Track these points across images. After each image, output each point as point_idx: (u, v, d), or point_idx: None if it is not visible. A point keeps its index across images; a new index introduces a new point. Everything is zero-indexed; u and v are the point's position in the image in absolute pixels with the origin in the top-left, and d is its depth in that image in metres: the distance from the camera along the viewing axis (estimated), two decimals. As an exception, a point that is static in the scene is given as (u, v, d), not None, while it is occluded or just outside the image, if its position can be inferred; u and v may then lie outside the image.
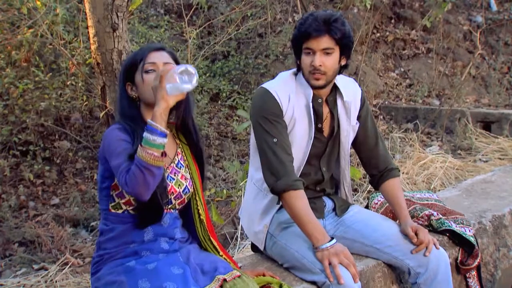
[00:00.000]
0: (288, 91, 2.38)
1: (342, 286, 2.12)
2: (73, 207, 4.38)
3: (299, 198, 2.27)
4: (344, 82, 2.50)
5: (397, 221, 2.60)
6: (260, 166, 2.41)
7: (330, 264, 2.16)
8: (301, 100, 2.39)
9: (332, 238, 2.23)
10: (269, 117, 2.34)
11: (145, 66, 1.98)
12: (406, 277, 2.46)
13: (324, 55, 2.30)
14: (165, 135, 1.81)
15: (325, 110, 2.45)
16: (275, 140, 2.32)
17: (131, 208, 1.97)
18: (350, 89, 2.50)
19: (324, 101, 2.45)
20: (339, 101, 2.47)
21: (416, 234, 2.36)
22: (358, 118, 2.53)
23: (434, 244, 2.35)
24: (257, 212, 2.48)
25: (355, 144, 2.59)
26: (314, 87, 2.37)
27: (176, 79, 1.82)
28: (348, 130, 2.49)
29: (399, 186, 2.57)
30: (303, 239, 2.31)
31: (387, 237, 2.40)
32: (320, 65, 2.29)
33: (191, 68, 1.84)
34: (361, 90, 2.57)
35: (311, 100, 2.39)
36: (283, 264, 2.41)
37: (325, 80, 2.34)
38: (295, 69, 2.46)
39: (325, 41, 2.28)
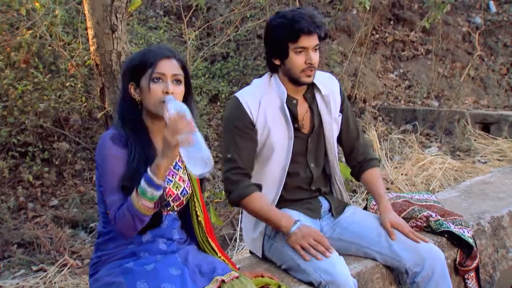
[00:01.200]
0: (258, 97, 2.40)
1: (338, 284, 2.13)
2: (72, 208, 4.38)
3: (255, 201, 2.32)
4: (320, 77, 2.52)
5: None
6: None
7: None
8: (275, 102, 2.41)
9: (298, 221, 2.27)
10: (232, 128, 2.38)
11: (154, 74, 1.93)
12: (404, 277, 2.46)
13: (314, 52, 2.34)
14: (161, 188, 1.83)
15: (303, 108, 2.47)
16: (229, 156, 2.37)
17: None
18: (327, 83, 2.53)
19: (302, 97, 2.46)
20: (317, 96, 2.49)
21: (397, 230, 2.38)
22: (341, 111, 2.55)
23: (422, 239, 2.36)
24: (252, 220, 2.50)
25: (338, 137, 2.61)
26: (306, 84, 2.40)
27: (189, 160, 1.79)
28: (331, 123, 2.51)
29: (378, 175, 2.59)
30: None
31: (383, 238, 2.40)
32: (315, 63, 2.34)
33: (208, 159, 1.78)
34: (339, 83, 2.60)
35: (285, 101, 2.40)
36: (281, 265, 2.41)
37: (314, 76, 2.39)
38: (267, 74, 2.48)
39: (315, 39, 2.33)
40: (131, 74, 1.98)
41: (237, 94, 2.43)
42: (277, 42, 2.35)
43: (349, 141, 2.61)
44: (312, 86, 2.48)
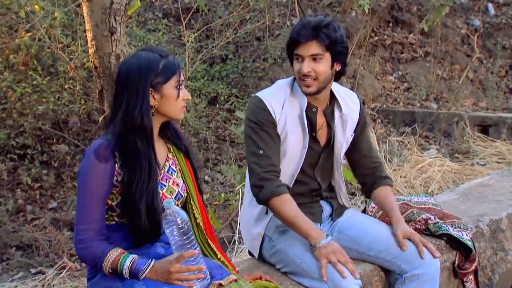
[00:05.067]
0: (281, 100, 2.37)
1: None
2: (70, 210, 4.37)
3: (286, 203, 2.27)
4: (344, 94, 2.49)
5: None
6: None
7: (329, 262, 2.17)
8: (295, 108, 2.37)
9: (328, 235, 2.24)
10: (259, 127, 2.33)
11: (180, 82, 1.96)
12: (395, 274, 2.44)
13: (313, 62, 2.27)
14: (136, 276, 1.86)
15: (321, 120, 2.43)
16: (261, 152, 2.31)
17: (123, 220, 1.96)
18: (349, 102, 2.48)
19: (322, 112, 2.43)
20: (336, 113, 2.45)
21: (409, 239, 2.36)
22: (354, 131, 2.52)
23: (432, 253, 2.34)
24: (252, 218, 2.49)
25: (347, 153, 2.59)
26: (306, 94, 2.34)
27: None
28: (342, 142, 2.49)
29: (390, 193, 2.56)
30: (302, 243, 2.31)
31: (378, 242, 2.40)
32: (309, 71, 2.27)
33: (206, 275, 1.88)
34: (360, 103, 2.55)
35: (305, 109, 2.37)
36: (281, 268, 2.41)
37: (317, 87, 2.31)
38: (292, 77, 2.44)
39: (314, 48, 2.26)
40: (152, 81, 1.93)
41: (260, 95, 2.38)
42: (286, 49, 2.37)
43: (358, 159, 2.57)
44: (333, 102, 2.45)
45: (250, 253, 2.66)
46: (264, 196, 2.29)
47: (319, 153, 2.47)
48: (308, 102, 2.37)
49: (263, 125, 2.33)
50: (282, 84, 2.44)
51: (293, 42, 2.29)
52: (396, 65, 8.08)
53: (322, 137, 2.45)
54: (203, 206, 2.17)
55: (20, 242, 3.90)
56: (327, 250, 2.18)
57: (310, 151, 2.42)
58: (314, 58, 2.27)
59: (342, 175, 2.57)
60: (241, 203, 3.45)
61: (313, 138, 2.42)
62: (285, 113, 2.36)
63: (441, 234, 2.70)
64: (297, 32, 2.27)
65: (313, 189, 2.51)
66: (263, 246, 2.47)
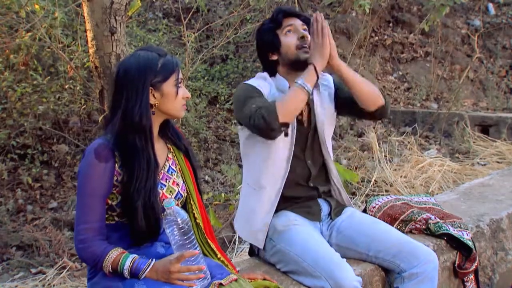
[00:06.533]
0: (268, 86, 2.45)
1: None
2: (71, 210, 4.37)
3: (283, 102, 2.24)
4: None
5: (395, 225, 2.60)
6: (250, 168, 2.48)
7: None
8: (279, 95, 2.42)
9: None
10: (248, 96, 2.36)
11: (179, 80, 1.97)
12: (395, 274, 2.44)
13: (304, 31, 2.42)
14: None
15: None
16: (253, 106, 2.27)
17: (123, 219, 1.96)
18: (323, 82, 2.55)
19: None
20: (314, 92, 2.49)
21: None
22: (336, 92, 2.55)
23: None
24: (253, 211, 2.47)
25: (345, 102, 2.54)
26: (305, 61, 2.35)
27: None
28: (324, 120, 2.50)
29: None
30: (303, 242, 2.31)
31: (377, 242, 2.40)
32: (307, 35, 2.39)
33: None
34: (332, 77, 2.60)
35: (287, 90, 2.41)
36: (281, 268, 2.41)
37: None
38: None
39: (299, 21, 2.44)
40: (152, 80, 1.93)
41: (248, 82, 2.47)
42: (267, 36, 2.45)
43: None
44: None
45: (250, 253, 2.66)
46: (271, 121, 2.21)
47: (306, 134, 2.49)
48: (289, 87, 2.42)
49: (255, 92, 2.38)
50: (264, 75, 2.52)
51: (280, 18, 2.42)
52: (396, 65, 8.08)
53: (304, 118, 2.49)
54: (203, 206, 2.18)
55: (20, 242, 3.90)
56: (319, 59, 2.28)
57: (297, 134, 2.44)
58: (304, 29, 2.43)
59: (330, 155, 2.57)
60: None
61: (298, 121, 2.45)
62: (272, 99, 2.38)
63: (442, 234, 2.71)
64: (283, 9, 2.46)
65: (304, 176, 2.50)
66: (264, 244, 2.47)
